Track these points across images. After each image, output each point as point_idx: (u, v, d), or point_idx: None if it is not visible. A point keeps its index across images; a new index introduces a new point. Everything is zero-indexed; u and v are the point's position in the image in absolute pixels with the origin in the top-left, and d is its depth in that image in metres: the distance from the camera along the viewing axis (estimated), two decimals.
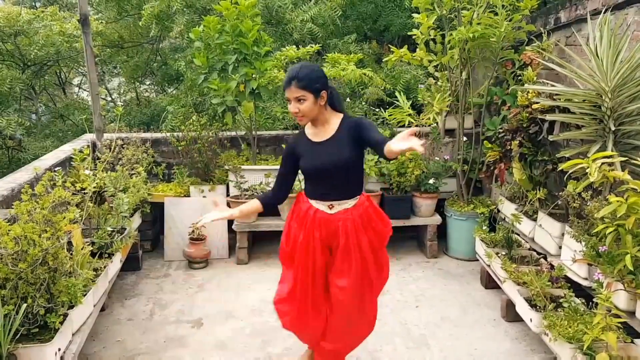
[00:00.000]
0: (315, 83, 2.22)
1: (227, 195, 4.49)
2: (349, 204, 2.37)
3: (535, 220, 3.48)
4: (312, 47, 4.48)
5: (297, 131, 4.67)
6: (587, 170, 2.39)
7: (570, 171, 2.64)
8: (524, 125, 3.50)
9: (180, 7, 5.29)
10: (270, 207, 2.50)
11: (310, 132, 2.38)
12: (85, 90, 9.16)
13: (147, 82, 8.41)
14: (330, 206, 2.36)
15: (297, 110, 2.23)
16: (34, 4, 8.46)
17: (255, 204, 2.46)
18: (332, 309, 2.48)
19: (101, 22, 6.81)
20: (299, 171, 2.43)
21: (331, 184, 2.34)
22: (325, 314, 2.51)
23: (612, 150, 2.69)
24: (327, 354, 2.57)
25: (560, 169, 2.93)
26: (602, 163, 2.40)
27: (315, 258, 2.40)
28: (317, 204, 2.38)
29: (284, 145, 4.56)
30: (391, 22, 5.73)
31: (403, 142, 1.87)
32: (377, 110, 4.66)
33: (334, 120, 2.35)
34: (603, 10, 3.12)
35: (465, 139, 4.42)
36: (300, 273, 2.44)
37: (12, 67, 6.78)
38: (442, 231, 4.51)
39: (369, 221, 2.42)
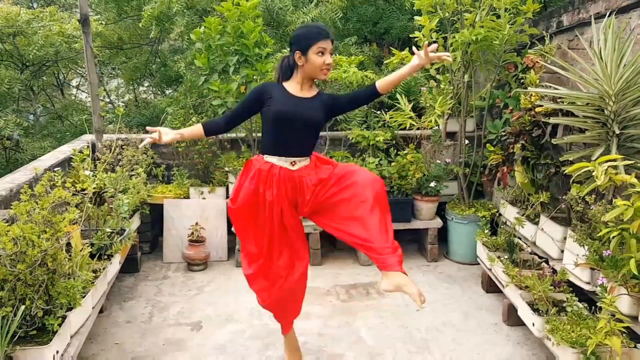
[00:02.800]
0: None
1: (227, 197, 4.46)
2: (307, 161, 2.46)
3: (537, 224, 3.47)
4: None
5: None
6: (593, 174, 2.37)
7: (574, 175, 2.62)
8: (527, 129, 3.49)
9: (180, 8, 5.27)
10: (211, 133, 2.54)
11: (291, 87, 2.43)
12: (83, 91, 9.13)
13: (146, 84, 8.38)
14: (293, 162, 2.41)
15: (331, 65, 2.37)
16: (31, 4, 8.43)
17: (197, 128, 2.47)
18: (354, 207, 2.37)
19: (101, 23, 6.78)
20: (263, 121, 2.46)
21: (298, 140, 2.41)
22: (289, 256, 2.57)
23: (616, 154, 2.68)
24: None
25: (563, 172, 2.92)
26: (608, 166, 2.38)
27: (272, 218, 2.44)
28: (279, 161, 2.41)
29: None
30: (392, 25, 5.73)
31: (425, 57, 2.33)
32: (378, 112, 4.64)
33: (314, 87, 2.48)
34: (607, 14, 3.12)
35: (466, 142, 4.41)
36: (267, 231, 2.47)
37: (10, 68, 6.75)
38: (442, 235, 4.49)
39: (322, 168, 2.49)
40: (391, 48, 5.10)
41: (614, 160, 2.51)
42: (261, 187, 2.42)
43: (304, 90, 2.43)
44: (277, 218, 2.44)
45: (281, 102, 2.38)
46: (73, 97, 8.98)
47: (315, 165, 2.50)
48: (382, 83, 2.45)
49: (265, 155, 2.45)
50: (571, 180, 2.87)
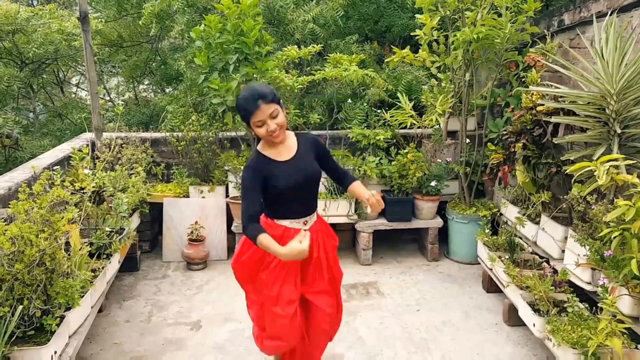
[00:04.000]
0: (274, 94, 2.18)
1: (227, 196, 4.45)
2: (315, 217, 2.42)
3: (538, 223, 3.45)
4: (313, 47, 4.45)
5: (296, 131, 4.63)
6: (594, 174, 2.35)
7: (576, 175, 2.61)
8: (528, 128, 3.47)
9: (180, 6, 5.25)
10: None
11: (269, 152, 2.27)
12: (83, 89, 9.11)
13: (146, 82, 8.36)
14: (305, 222, 2.35)
15: (275, 127, 2.15)
16: (31, 1, 8.40)
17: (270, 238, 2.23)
18: (311, 315, 2.46)
19: (100, 21, 6.76)
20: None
21: (304, 201, 2.35)
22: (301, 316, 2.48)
23: (617, 153, 2.66)
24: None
25: (564, 171, 2.90)
26: (610, 166, 2.37)
27: (295, 280, 2.36)
28: (292, 224, 2.32)
29: None
30: (393, 23, 5.70)
31: (369, 195, 2.22)
32: (378, 111, 4.63)
33: (291, 137, 2.34)
34: (609, 13, 3.10)
35: (467, 141, 4.39)
36: (286, 287, 2.34)
37: (9, 65, 6.73)
38: (443, 234, 4.48)
39: (328, 230, 2.50)
40: (392, 46, 5.08)
41: (616, 159, 2.49)
42: (270, 257, 2.30)
43: (282, 151, 2.28)
44: (294, 274, 2.37)
45: (276, 178, 2.22)
46: (73, 95, 8.96)
47: (322, 221, 2.48)
48: (352, 187, 2.42)
49: (276, 220, 2.34)
50: (573, 180, 2.85)
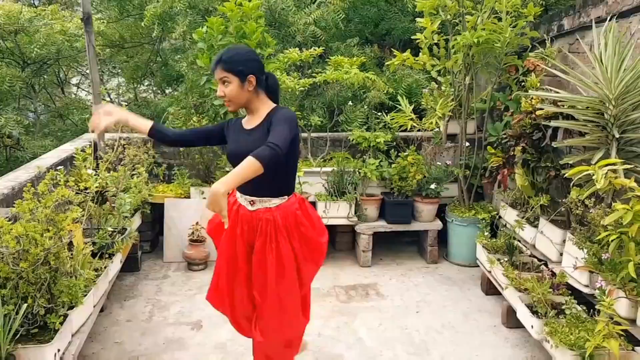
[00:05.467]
0: (239, 65, 2.09)
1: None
2: (272, 202, 2.19)
3: (536, 226, 3.48)
4: (315, 50, 4.48)
5: (304, 133, 4.67)
6: (593, 177, 2.38)
7: (575, 178, 2.64)
8: (528, 131, 3.50)
9: (182, 7, 5.28)
10: (159, 134, 2.28)
11: (244, 119, 2.26)
12: (84, 89, 9.12)
13: (146, 83, 8.38)
14: (252, 202, 2.21)
15: (222, 94, 2.12)
16: (32, 2, 8.42)
17: (146, 123, 2.25)
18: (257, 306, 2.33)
19: (102, 22, 6.78)
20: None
21: (250, 180, 2.12)
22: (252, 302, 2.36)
23: (615, 158, 2.69)
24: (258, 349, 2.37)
25: (563, 175, 2.93)
26: (608, 170, 2.40)
27: (236, 252, 2.27)
28: (240, 198, 2.25)
29: None
30: (393, 27, 5.74)
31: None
32: (379, 114, 4.66)
33: (263, 110, 2.19)
34: (608, 18, 3.13)
35: (467, 144, 4.43)
36: (223, 262, 2.36)
37: (11, 65, 6.75)
38: (442, 237, 4.51)
39: (297, 225, 2.23)
40: (392, 49, 5.11)
41: (614, 164, 2.52)
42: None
43: (249, 121, 2.23)
44: (232, 252, 2.30)
45: (229, 142, 2.25)
46: (73, 96, 8.98)
47: (293, 214, 2.22)
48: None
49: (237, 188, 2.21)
50: (571, 184, 2.88)
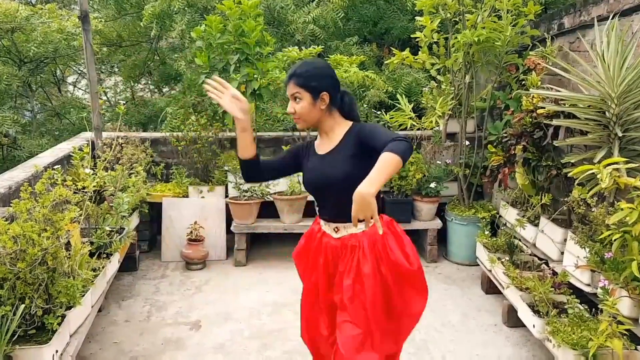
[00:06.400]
0: (312, 81, 1.93)
1: (226, 196, 4.45)
2: (354, 229, 1.96)
3: (537, 225, 3.47)
4: (314, 48, 4.46)
5: (297, 132, 4.65)
6: (597, 176, 2.37)
7: (578, 177, 2.62)
8: (528, 130, 3.49)
9: (181, 6, 5.25)
10: (254, 165, 2.06)
11: (317, 143, 2.08)
12: (80, 88, 9.08)
13: (143, 82, 8.35)
14: (336, 229, 2.02)
15: (293, 111, 1.97)
16: (30, 0, 8.38)
17: (253, 146, 2.04)
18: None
19: (100, 21, 6.75)
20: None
21: (333, 204, 2.01)
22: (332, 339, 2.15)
23: (618, 157, 2.68)
24: None
25: (564, 174, 2.92)
26: (612, 169, 2.39)
27: (317, 284, 2.11)
28: (324, 226, 2.07)
29: (284, 147, 4.54)
30: (392, 25, 5.73)
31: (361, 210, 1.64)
32: (378, 112, 4.64)
33: (339, 130, 2.01)
34: (610, 17, 3.12)
35: (467, 143, 4.41)
36: (305, 293, 2.21)
37: (8, 64, 6.71)
38: (442, 235, 4.49)
39: (385, 251, 1.99)
40: (391, 48, 5.09)
41: (616, 163, 2.51)
42: (308, 251, 2.15)
43: (323, 144, 2.04)
44: (313, 285, 2.14)
45: (305, 170, 2.08)
46: (69, 95, 8.93)
47: (381, 240, 2.00)
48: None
49: (319, 215, 2.11)
50: (575, 183, 2.87)
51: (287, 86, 1.98)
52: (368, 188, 1.62)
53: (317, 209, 2.14)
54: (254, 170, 2.08)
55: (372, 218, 1.65)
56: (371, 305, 1.95)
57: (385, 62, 4.64)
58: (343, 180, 1.91)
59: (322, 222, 2.09)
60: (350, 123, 2.04)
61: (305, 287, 2.20)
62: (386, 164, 1.67)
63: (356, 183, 1.74)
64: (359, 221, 1.66)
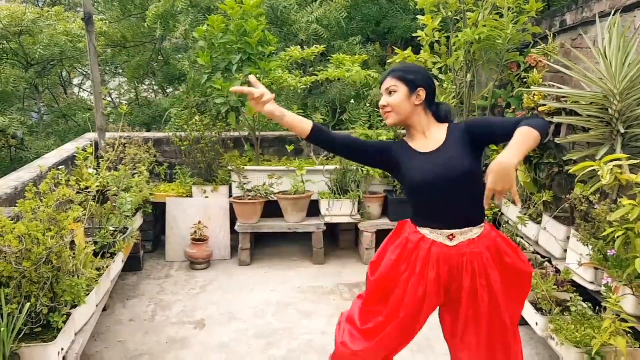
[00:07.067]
0: (410, 74, 1.89)
1: (230, 195, 4.46)
2: (473, 232, 1.86)
3: (539, 223, 3.46)
4: (316, 47, 4.47)
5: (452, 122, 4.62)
6: (598, 173, 2.36)
7: (579, 174, 2.62)
8: None
9: (184, 6, 5.28)
10: (320, 133, 1.92)
11: (412, 143, 1.95)
12: (85, 90, 9.14)
13: (147, 82, 8.40)
14: (451, 236, 1.85)
15: (385, 103, 1.89)
16: (36, 2, 8.44)
17: (305, 122, 1.92)
18: None
19: (105, 22, 6.79)
20: (402, 186, 2.03)
21: (449, 206, 1.86)
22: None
23: (620, 153, 2.67)
24: None
25: (567, 171, 2.91)
26: (613, 166, 2.38)
27: (423, 306, 1.94)
28: (432, 234, 1.87)
29: (287, 146, 4.55)
30: (395, 25, 5.73)
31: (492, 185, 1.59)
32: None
33: (438, 130, 1.93)
34: (612, 13, 3.11)
35: None
36: (394, 318, 1.98)
37: (15, 66, 6.77)
38: None
39: (500, 254, 1.89)
40: (394, 47, 5.10)
41: (619, 159, 2.50)
42: (403, 265, 1.93)
43: (424, 143, 1.93)
44: (417, 308, 1.95)
45: (409, 168, 1.90)
46: (74, 96, 8.99)
47: (495, 243, 1.90)
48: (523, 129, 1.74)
49: (418, 226, 1.92)
50: (576, 180, 2.87)
51: (383, 83, 1.95)
52: (510, 159, 1.54)
53: (414, 217, 1.97)
54: (323, 142, 1.96)
55: (512, 190, 1.56)
56: (499, 321, 1.90)
57: (388, 61, 4.64)
58: (466, 174, 1.83)
59: (424, 231, 1.89)
60: (446, 124, 1.98)
61: (397, 308, 1.97)
62: (526, 137, 1.62)
63: (475, 181, 1.77)
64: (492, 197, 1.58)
